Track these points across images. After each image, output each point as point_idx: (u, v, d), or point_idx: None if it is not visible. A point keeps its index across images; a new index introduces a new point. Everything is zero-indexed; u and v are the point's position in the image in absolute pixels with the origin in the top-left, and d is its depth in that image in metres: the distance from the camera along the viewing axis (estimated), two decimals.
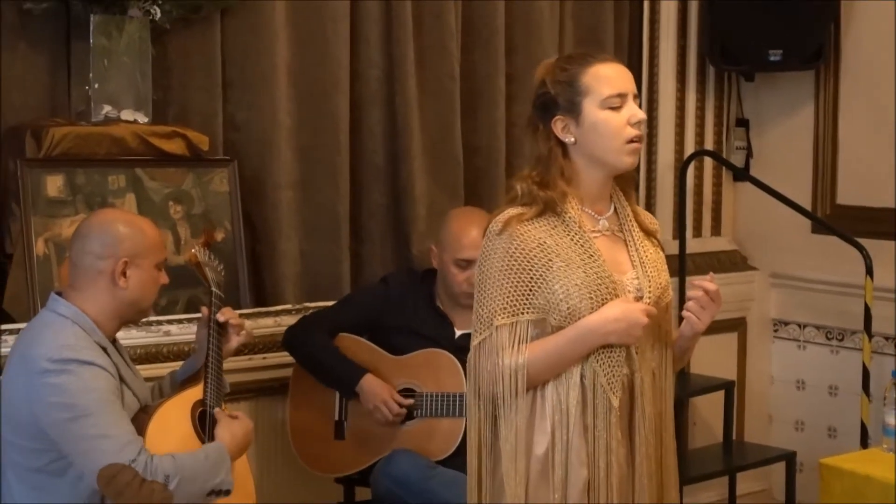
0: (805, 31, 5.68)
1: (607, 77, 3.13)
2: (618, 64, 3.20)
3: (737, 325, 6.02)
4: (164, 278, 3.69)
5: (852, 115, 5.75)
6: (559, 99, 3.13)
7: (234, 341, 3.88)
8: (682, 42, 5.93)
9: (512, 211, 3.14)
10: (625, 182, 3.26)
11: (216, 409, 3.68)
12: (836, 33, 5.74)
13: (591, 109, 3.11)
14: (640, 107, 3.17)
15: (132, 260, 3.56)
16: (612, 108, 3.11)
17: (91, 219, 3.73)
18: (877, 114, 5.64)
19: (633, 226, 3.24)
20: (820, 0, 5.64)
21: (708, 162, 6.06)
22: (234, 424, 3.66)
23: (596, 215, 3.19)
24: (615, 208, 3.24)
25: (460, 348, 4.37)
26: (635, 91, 3.17)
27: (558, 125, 3.13)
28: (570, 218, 3.12)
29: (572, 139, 3.13)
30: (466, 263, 4.44)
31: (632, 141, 3.12)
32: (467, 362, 3.17)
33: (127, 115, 4.46)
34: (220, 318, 3.81)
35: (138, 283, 3.58)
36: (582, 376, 3.09)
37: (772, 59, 5.69)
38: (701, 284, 3.16)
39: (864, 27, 5.67)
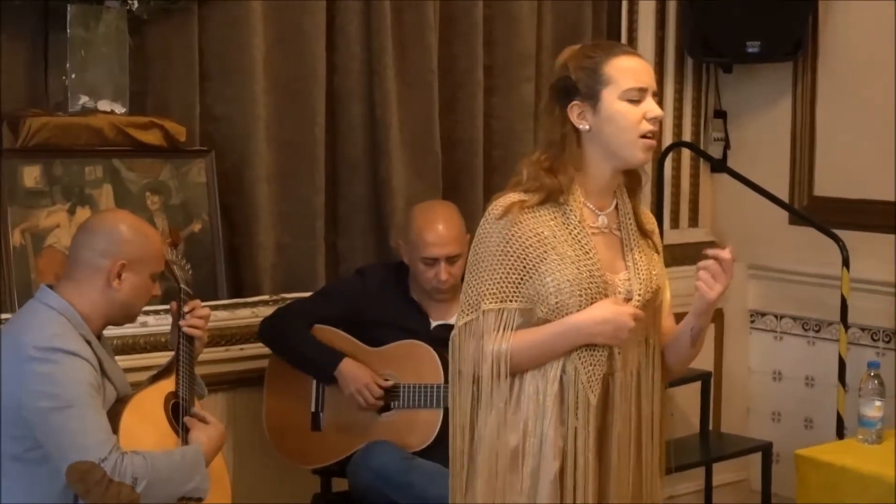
0: (783, 23, 5.68)
1: (630, 69, 3.13)
2: (641, 59, 3.20)
3: (714, 316, 5.97)
4: (156, 290, 3.72)
5: (830, 107, 5.76)
6: (580, 85, 3.12)
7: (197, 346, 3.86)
8: (661, 34, 5.92)
9: (514, 196, 3.14)
10: (633, 180, 3.27)
11: (187, 417, 3.69)
12: (814, 25, 5.74)
13: (611, 99, 3.11)
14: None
15: (130, 264, 3.58)
16: (631, 101, 3.11)
17: (100, 215, 3.82)
18: (854, 106, 5.65)
19: (631, 225, 3.23)
20: None
21: (686, 153, 6.06)
22: (209, 428, 3.68)
23: (597, 210, 3.19)
24: (616, 205, 3.24)
25: (436, 339, 4.40)
26: (655, 88, 3.17)
27: (575, 111, 3.13)
28: (570, 210, 3.12)
29: (587, 127, 3.13)
30: (433, 261, 4.45)
31: (646, 136, 3.12)
32: (451, 341, 3.18)
33: (104, 105, 4.45)
34: (183, 324, 3.79)
35: (131, 289, 3.60)
36: (562, 372, 3.10)
37: (750, 50, 5.69)
38: (715, 254, 3.13)
39: (842, 19, 5.68)
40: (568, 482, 3.10)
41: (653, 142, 3.14)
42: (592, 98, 3.11)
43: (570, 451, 3.10)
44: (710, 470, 5.77)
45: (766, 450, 5.58)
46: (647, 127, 3.11)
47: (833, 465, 4.24)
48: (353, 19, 5.04)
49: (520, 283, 3.10)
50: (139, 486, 3.37)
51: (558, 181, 3.11)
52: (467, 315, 3.13)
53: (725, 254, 3.12)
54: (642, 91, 3.12)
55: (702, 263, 3.14)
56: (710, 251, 3.15)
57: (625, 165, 3.18)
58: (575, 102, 3.13)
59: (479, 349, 3.10)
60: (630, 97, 3.11)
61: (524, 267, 3.09)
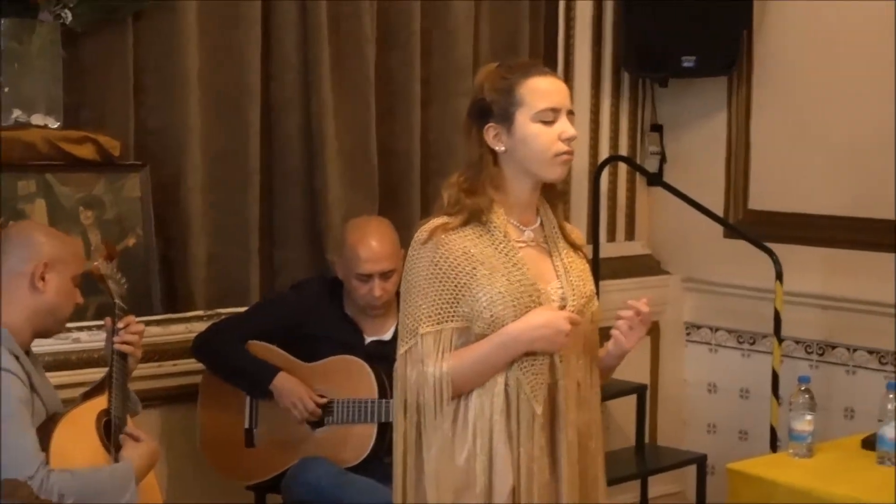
0: (718, 38, 5.73)
1: (543, 91, 3.14)
2: (556, 79, 3.22)
3: (650, 329, 5.99)
4: (79, 297, 3.69)
5: (764, 121, 5.81)
6: (494, 107, 3.14)
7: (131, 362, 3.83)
8: (597, 48, 5.97)
9: (437, 220, 3.15)
10: (554, 195, 3.29)
11: (121, 435, 3.66)
12: (748, 40, 5.80)
13: (524, 121, 3.12)
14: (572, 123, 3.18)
15: (51, 264, 3.57)
16: (545, 123, 3.12)
17: (14, 226, 3.81)
18: (788, 120, 5.72)
19: (558, 237, 3.26)
20: (733, 7, 5.69)
21: (622, 167, 6.10)
22: (140, 446, 3.65)
23: (521, 226, 3.21)
24: (541, 220, 3.26)
25: (371, 355, 4.41)
26: (570, 107, 3.18)
27: (490, 133, 3.14)
28: (495, 227, 3.14)
29: (503, 148, 3.15)
30: (367, 277, 4.45)
31: (560, 155, 3.14)
32: (394, 371, 3.18)
33: (37, 119, 4.41)
34: (117, 340, 3.74)
35: (55, 290, 3.59)
36: (506, 384, 3.10)
37: (685, 65, 5.74)
38: (634, 305, 3.19)
39: (776, 35, 5.73)
40: (521, 496, 3.10)
41: (569, 157, 3.15)
42: (507, 120, 3.13)
43: (520, 465, 3.10)
44: (646, 483, 5.81)
45: (700, 462, 5.62)
46: (561, 148, 3.13)
47: (763, 478, 4.25)
48: (290, 30, 5.02)
49: (454, 303, 3.10)
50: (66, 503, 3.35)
51: (478, 202, 3.14)
52: (406, 343, 3.13)
53: (644, 307, 3.20)
54: (556, 112, 3.14)
55: (622, 312, 3.21)
56: (630, 302, 3.21)
57: (543, 181, 3.21)
58: (490, 124, 3.15)
59: (421, 374, 3.09)
60: (543, 118, 3.12)
61: (456, 286, 3.10)
